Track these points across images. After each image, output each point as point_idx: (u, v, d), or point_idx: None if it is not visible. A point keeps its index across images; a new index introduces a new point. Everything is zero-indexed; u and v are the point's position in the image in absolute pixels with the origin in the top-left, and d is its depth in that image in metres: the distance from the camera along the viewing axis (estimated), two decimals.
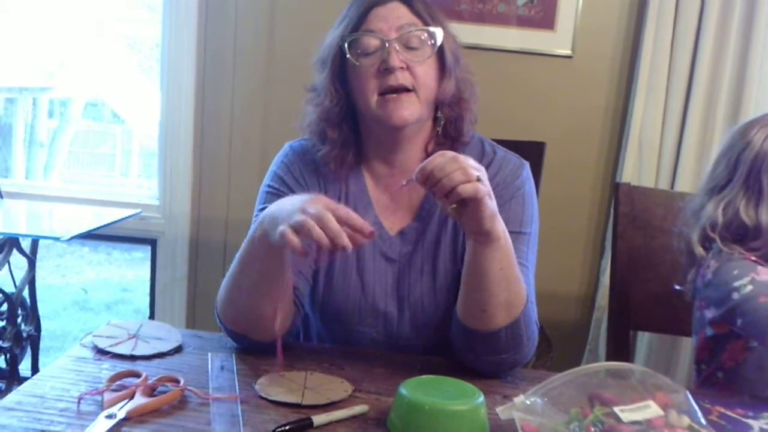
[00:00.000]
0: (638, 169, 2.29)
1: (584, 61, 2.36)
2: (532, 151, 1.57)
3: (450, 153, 1.02)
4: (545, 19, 2.35)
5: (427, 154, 1.29)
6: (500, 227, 1.07)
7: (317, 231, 0.96)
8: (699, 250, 1.39)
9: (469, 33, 2.33)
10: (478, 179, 1.00)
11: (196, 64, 2.48)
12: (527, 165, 1.33)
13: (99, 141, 7.14)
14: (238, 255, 1.15)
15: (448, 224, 1.27)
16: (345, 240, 0.96)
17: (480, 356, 1.16)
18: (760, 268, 1.31)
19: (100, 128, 7.20)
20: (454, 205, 1.03)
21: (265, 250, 1.09)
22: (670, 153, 2.27)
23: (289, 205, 1.03)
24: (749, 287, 1.28)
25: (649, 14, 2.22)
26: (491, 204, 1.03)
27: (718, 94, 2.22)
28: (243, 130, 2.50)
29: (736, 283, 1.31)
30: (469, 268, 1.12)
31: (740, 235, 1.36)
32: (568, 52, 2.36)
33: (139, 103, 6.18)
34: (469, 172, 1.00)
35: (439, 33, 1.23)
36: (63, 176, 6.43)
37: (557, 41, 2.36)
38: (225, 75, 2.48)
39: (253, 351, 1.19)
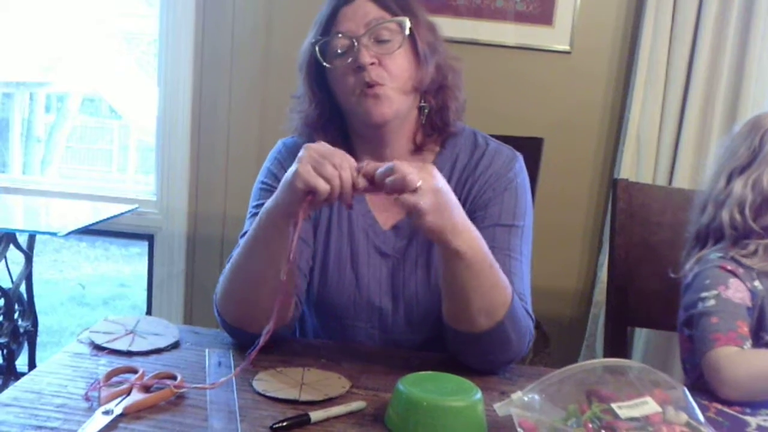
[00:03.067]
0: (636, 164, 2.29)
1: (582, 57, 2.36)
2: (530, 147, 1.56)
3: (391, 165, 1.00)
4: (543, 15, 2.34)
5: (416, 145, 1.30)
6: (457, 241, 1.04)
7: (328, 168, 0.99)
8: (730, 232, 1.38)
9: (466, 28, 2.33)
10: (416, 190, 0.98)
11: (194, 60, 2.47)
12: (520, 157, 1.33)
13: (96, 136, 7.12)
14: (240, 247, 1.15)
15: None
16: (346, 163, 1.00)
17: (469, 355, 1.16)
18: (732, 280, 1.32)
19: (97, 124, 7.18)
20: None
21: (279, 234, 1.07)
22: (667, 149, 2.27)
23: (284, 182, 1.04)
24: (712, 302, 1.30)
25: (647, 10, 2.22)
26: (432, 220, 1.00)
27: (716, 90, 2.22)
28: (240, 126, 2.50)
29: (704, 294, 1.32)
30: (439, 274, 1.12)
31: (763, 210, 1.35)
32: (566, 47, 2.36)
33: (136, 99, 6.17)
34: (408, 181, 0.97)
35: (407, 22, 1.22)
36: (60, 171, 6.41)
37: (555, 37, 2.36)
38: (222, 71, 2.48)
39: (250, 345, 1.18)
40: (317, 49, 1.23)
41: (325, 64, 1.23)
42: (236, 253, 1.16)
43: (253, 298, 1.14)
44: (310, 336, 1.37)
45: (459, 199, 1.13)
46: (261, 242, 1.10)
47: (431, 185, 1.00)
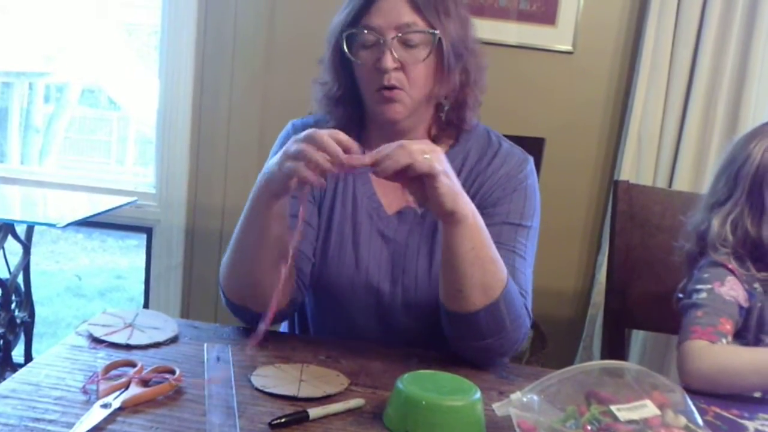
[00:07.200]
0: (637, 165, 2.29)
1: (585, 57, 2.36)
2: (532, 147, 1.55)
3: (399, 142, 1.02)
4: (546, 15, 2.34)
5: (430, 137, 1.31)
6: (467, 208, 1.07)
7: (313, 152, 1.00)
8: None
9: None
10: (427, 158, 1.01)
11: (195, 51, 2.46)
12: (531, 159, 1.35)
13: (95, 127, 7.10)
14: (238, 223, 1.18)
15: None
16: (336, 149, 1.00)
17: (465, 341, 1.17)
18: (729, 278, 1.34)
19: (96, 114, 7.16)
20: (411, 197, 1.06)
21: (266, 207, 1.11)
22: (669, 150, 2.27)
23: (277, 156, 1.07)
24: (704, 294, 1.33)
25: (650, 10, 2.22)
26: (448, 182, 1.04)
27: (719, 91, 2.22)
28: (241, 119, 2.49)
29: (699, 286, 1.35)
30: (442, 249, 1.13)
31: (757, 252, 1.36)
32: (568, 47, 2.35)
33: (136, 90, 6.15)
34: (415, 155, 1.00)
35: (437, 35, 1.21)
36: (58, 162, 6.40)
37: (558, 37, 2.35)
38: (224, 62, 2.47)
39: (253, 324, 1.21)
40: (344, 37, 1.23)
41: (349, 56, 1.23)
42: (234, 232, 1.19)
43: (252, 274, 1.17)
44: (308, 319, 1.38)
45: (467, 193, 1.17)
46: (256, 218, 1.14)
47: (438, 155, 1.03)
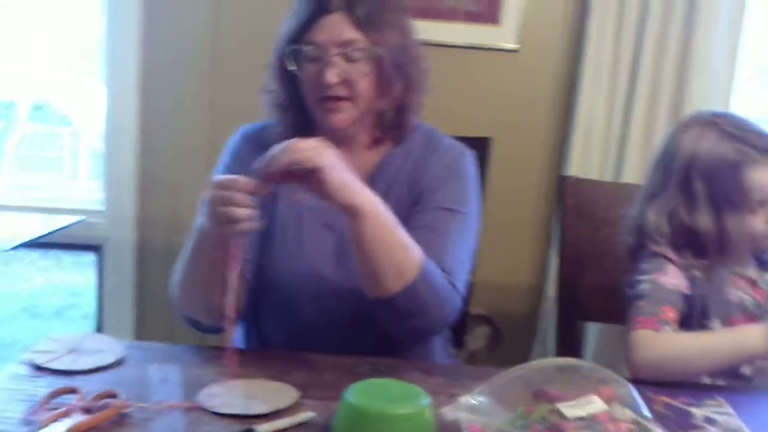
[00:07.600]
0: (584, 160, 2.31)
1: (530, 55, 2.37)
2: (478, 147, 1.57)
3: (285, 144, 1.06)
4: (489, 14, 2.35)
5: (373, 141, 1.36)
6: (364, 199, 1.11)
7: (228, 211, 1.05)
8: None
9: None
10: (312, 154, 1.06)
11: (140, 62, 2.41)
12: (471, 154, 1.41)
13: (46, 144, 6.96)
14: (188, 248, 1.21)
15: (391, 197, 1.29)
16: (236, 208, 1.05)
17: (391, 323, 1.21)
18: (670, 267, 1.37)
19: (46, 130, 7.01)
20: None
21: (209, 239, 1.15)
22: (615, 144, 2.30)
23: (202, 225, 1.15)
24: (646, 285, 1.35)
25: (593, 6, 2.24)
26: (337, 174, 1.07)
27: (662, 85, 2.25)
28: (189, 130, 2.44)
29: (641, 277, 1.37)
30: (351, 240, 1.15)
31: (694, 240, 1.38)
32: (513, 45, 2.37)
33: (85, 104, 6.05)
34: (299, 153, 1.04)
35: (379, 51, 1.24)
36: (9, 181, 6.25)
37: (502, 35, 2.37)
38: (169, 72, 2.43)
39: (205, 333, 1.27)
40: (288, 52, 1.26)
41: (293, 70, 1.26)
42: (184, 251, 1.22)
43: (204, 291, 1.20)
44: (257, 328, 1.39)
45: (409, 186, 1.29)
46: (201, 247, 1.17)
47: (324, 150, 1.07)
